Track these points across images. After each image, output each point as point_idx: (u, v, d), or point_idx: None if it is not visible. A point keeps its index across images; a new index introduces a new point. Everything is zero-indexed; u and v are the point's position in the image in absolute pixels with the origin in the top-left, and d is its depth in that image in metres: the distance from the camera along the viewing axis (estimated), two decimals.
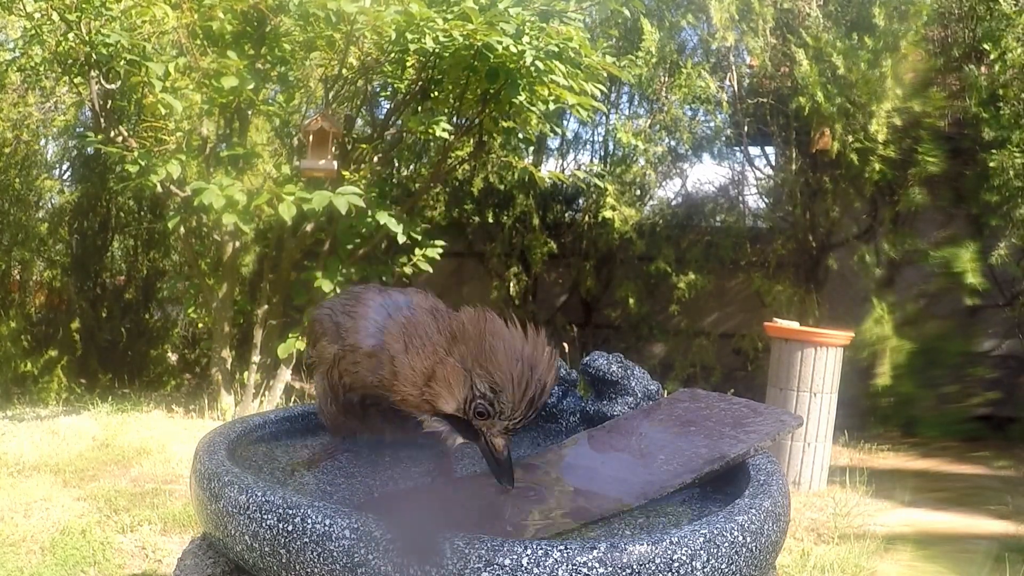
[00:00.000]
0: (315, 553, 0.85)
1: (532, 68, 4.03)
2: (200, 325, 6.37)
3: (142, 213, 6.37)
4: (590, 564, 0.80)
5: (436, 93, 4.66)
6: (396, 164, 5.98)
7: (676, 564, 0.83)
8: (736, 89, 5.98)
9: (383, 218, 4.36)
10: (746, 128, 5.99)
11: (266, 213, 4.63)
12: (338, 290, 4.39)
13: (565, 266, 6.74)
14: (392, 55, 4.44)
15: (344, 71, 4.68)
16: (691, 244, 6.13)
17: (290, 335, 4.65)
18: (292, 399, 5.13)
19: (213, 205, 4.13)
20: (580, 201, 6.72)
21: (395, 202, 5.10)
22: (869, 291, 5.53)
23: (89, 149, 5.63)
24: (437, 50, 4.09)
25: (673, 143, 6.16)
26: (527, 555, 0.80)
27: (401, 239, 4.51)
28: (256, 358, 4.84)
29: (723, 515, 0.92)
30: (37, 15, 3.97)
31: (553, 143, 6.77)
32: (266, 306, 4.88)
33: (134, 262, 6.44)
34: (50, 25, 4.04)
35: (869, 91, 5.18)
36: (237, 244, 4.87)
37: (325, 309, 1.24)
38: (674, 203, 6.59)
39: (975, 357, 5.67)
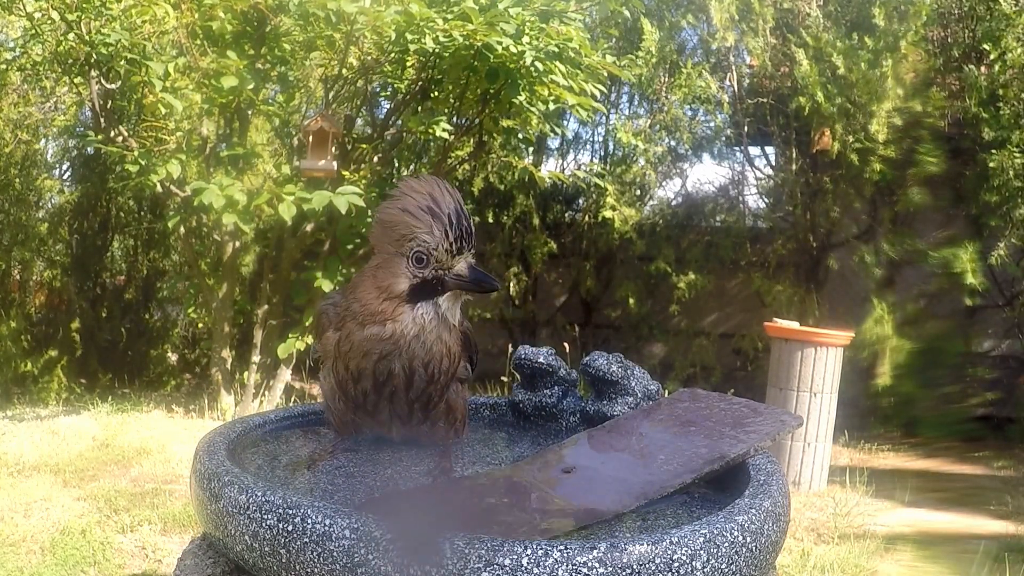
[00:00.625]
0: (315, 553, 0.85)
1: (532, 68, 4.02)
2: (200, 325, 6.37)
3: (142, 213, 6.37)
4: (590, 564, 0.80)
5: (436, 93, 4.66)
6: (396, 164, 5.97)
7: (676, 564, 0.83)
8: (736, 89, 5.98)
9: None
10: (746, 128, 5.99)
11: (266, 213, 4.63)
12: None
13: (565, 266, 6.74)
14: (392, 55, 4.44)
15: (344, 71, 4.68)
16: (691, 244, 6.13)
17: (290, 335, 4.65)
18: (292, 399, 5.13)
19: (213, 205, 4.13)
20: (580, 201, 6.72)
21: None
22: (869, 291, 5.53)
23: (89, 149, 5.63)
24: (437, 50, 4.09)
25: (673, 143, 6.16)
26: (527, 555, 0.80)
27: None
28: (256, 358, 4.84)
29: (723, 515, 0.92)
30: (37, 15, 3.97)
31: (553, 143, 6.78)
32: (266, 306, 4.88)
33: (134, 262, 6.44)
34: (50, 25, 4.03)
35: (869, 91, 5.18)
36: (237, 244, 4.87)
37: (329, 301, 1.27)
38: (674, 203, 6.59)
39: (975, 357, 5.67)
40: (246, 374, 4.89)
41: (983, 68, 5.24)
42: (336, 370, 1.21)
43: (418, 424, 1.25)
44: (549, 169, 6.29)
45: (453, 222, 1.11)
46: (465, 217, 1.12)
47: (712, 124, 6.05)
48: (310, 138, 4.37)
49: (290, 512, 0.88)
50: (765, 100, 5.79)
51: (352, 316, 1.18)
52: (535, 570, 0.79)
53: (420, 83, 4.62)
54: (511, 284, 6.44)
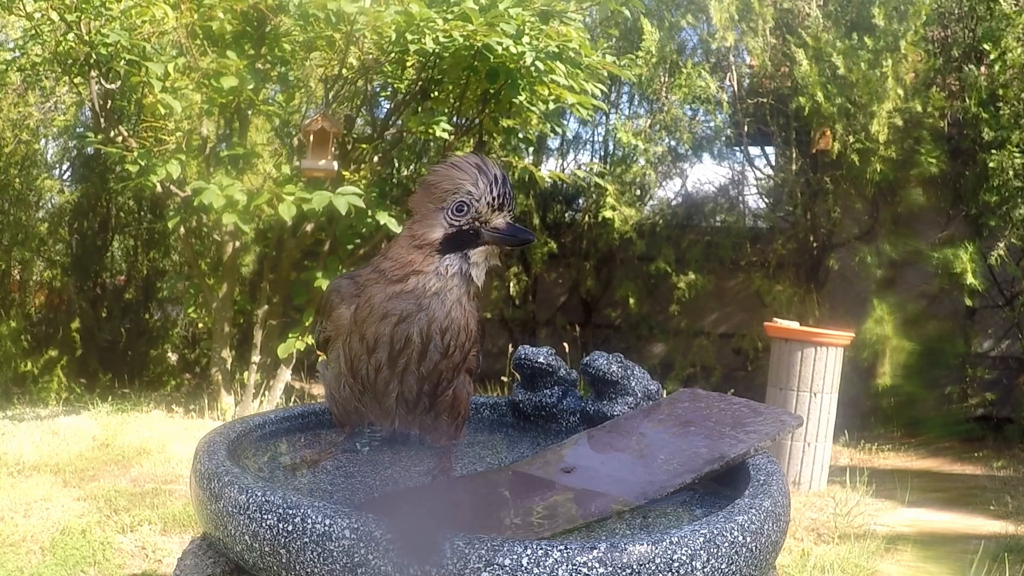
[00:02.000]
0: (315, 553, 0.85)
1: (532, 68, 4.03)
2: (200, 325, 6.37)
3: (142, 213, 6.37)
4: (590, 564, 0.80)
5: (436, 93, 4.66)
6: (396, 164, 5.97)
7: (676, 564, 0.83)
8: (736, 89, 5.98)
9: (383, 218, 4.36)
10: (746, 128, 5.99)
11: (266, 213, 4.63)
12: None
13: (565, 266, 6.74)
14: (392, 55, 4.44)
15: (344, 71, 4.68)
16: (691, 244, 6.13)
17: (290, 335, 4.65)
18: (292, 399, 5.13)
19: (213, 205, 4.13)
20: (580, 201, 6.72)
21: (395, 202, 5.10)
22: (870, 291, 5.53)
23: (89, 149, 5.63)
24: (437, 50, 4.09)
25: (673, 143, 6.16)
26: (527, 555, 0.80)
27: None
28: (256, 358, 4.84)
29: (723, 515, 0.92)
30: (37, 15, 3.97)
31: (553, 143, 6.78)
32: (266, 306, 4.88)
33: (134, 262, 6.45)
34: (50, 25, 4.03)
35: (869, 91, 5.18)
36: (237, 244, 4.87)
37: (344, 278, 1.27)
38: (674, 203, 6.59)
39: (974, 357, 5.67)
40: (246, 374, 4.89)
41: (983, 68, 5.24)
42: (349, 346, 1.20)
43: (423, 413, 1.25)
44: (549, 169, 6.29)
45: (498, 180, 1.15)
46: (508, 183, 1.18)
47: (712, 124, 6.05)
48: (311, 138, 4.37)
49: (290, 512, 0.88)
50: (765, 100, 5.79)
51: (376, 279, 1.19)
52: (535, 570, 0.79)
53: (420, 83, 4.62)
54: (511, 284, 6.44)
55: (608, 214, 5.90)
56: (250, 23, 4.52)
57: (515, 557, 0.80)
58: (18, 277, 6.12)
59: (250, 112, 4.86)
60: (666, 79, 5.95)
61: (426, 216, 1.18)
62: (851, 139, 5.32)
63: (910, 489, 3.93)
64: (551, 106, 4.42)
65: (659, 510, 1.09)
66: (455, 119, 4.69)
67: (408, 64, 4.59)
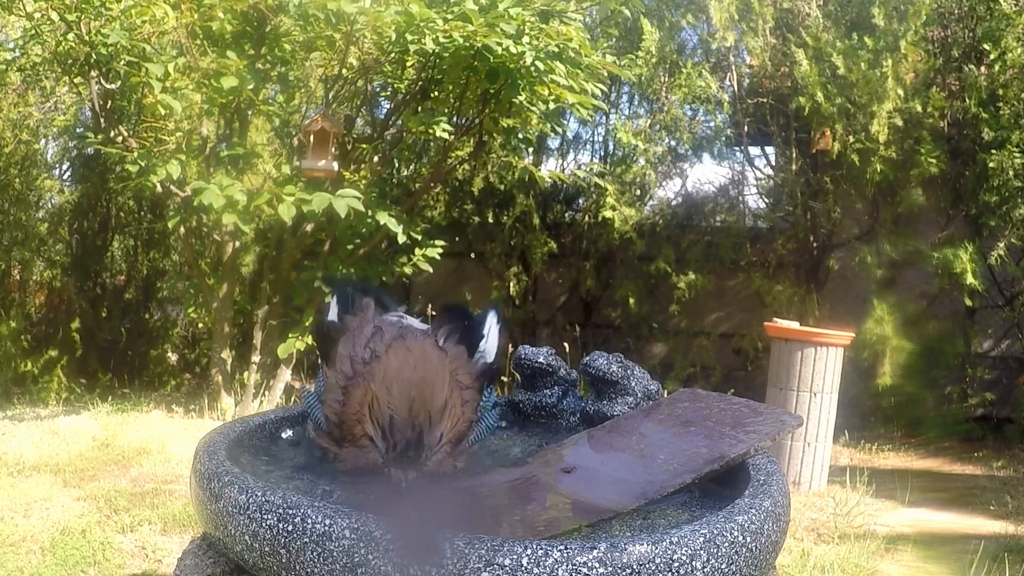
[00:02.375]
0: (315, 553, 0.85)
1: (532, 68, 4.03)
2: (200, 325, 6.37)
3: (142, 213, 6.37)
4: (590, 564, 0.80)
5: (436, 93, 4.66)
6: (396, 164, 5.97)
7: (676, 564, 0.83)
8: (736, 89, 5.98)
9: (383, 218, 4.36)
10: (746, 128, 5.99)
11: (266, 213, 4.63)
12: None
13: (565, 266, 6.74)
14: (392, 55, 4.44)
15: (344, 71, 4.68)
16: (691, 244, 6.12)
17: (290, 335, 4.65)
18: (292, 399, 5.13)
19: (213, 205, 4.13)
20: (580, 201, 6.72)
21: (395, 202, 5.11)
22: (870, 291, 5.53)
23: (89, 149, 5.63)
24: (437, 50, 4.09)
25: (673, 143, 6.15)
26: (527, 555, 0.80)
27: (401, 239, 4.51)
28: (256, 358, 4.84)
29: (723, 515, 0.92)
30: (37, 15, 3.97)
31: (553, 143, 6.78)
32: (266, 306, 4.88)
33: (134, 262, 6.45)
34: (50, 25, 4.03)
35: (869, 91, 5.18)
36: (237, 244, 4.87)
37: (326, 419, 1.17)
38: (674, 203, 6.59)
39: (974, 357, 5.67)
40: (246, 374, 4.89)
41: (983, 68, 5.24)
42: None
43: None
44: (549, 169, 6.29)
45: (399, 445, 1.03)
46: (410, 424, 1.02)
47: (712, 124, 6.05)
48: (311, 138, 4.37)
49: (290, 512, 0.88)
50: (765, 100, 5.79)
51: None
52: (535, 570, 0.79)
53: (420, 83, 4.62)
54: (511, 284, 6.44)
55: (608, 214, 5.89)
56: (250, 23, 4.52)
57: (515, 557, 0.80)
58: (18, 277, 6.12)
59: (250, 112, 4.86)
60: (666, 79, 5.95)
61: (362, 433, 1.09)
62: (851, 139, 5.31)
63: (910, 489, 3.93)
64: (551, 106, 4.42)
65: (659, 510, 1.09)
66: (455, 119, 4.69)
67: (408, 64, 4.59)
